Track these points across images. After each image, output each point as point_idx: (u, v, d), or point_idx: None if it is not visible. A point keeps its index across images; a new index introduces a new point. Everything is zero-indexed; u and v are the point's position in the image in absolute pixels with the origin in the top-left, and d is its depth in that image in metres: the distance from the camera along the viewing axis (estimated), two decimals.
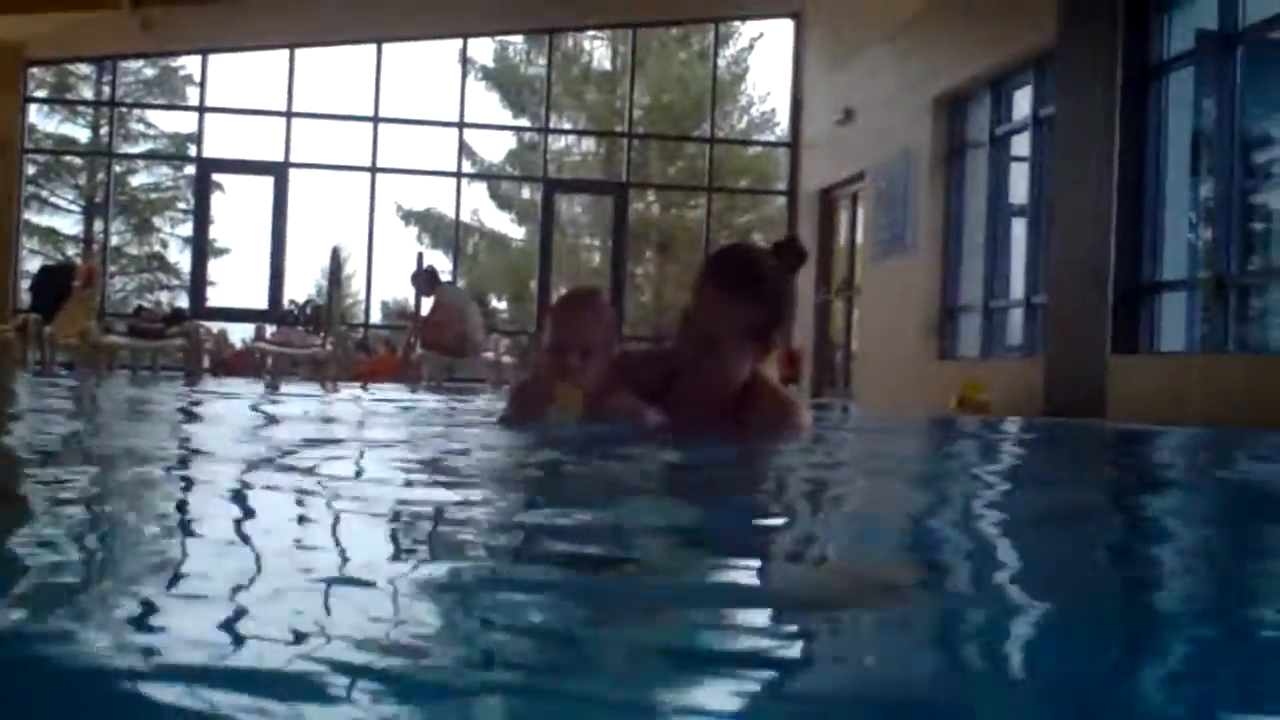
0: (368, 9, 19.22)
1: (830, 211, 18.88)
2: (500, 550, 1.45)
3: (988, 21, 13.62)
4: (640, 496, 2.18)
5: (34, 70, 20.68)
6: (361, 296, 22.08)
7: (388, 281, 30.13)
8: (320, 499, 1.85)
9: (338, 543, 1.48)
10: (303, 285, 27.13)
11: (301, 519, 1.65)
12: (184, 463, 2.57)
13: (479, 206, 29.59)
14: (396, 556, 1.36)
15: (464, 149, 22.16)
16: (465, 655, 0.92)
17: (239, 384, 11.29)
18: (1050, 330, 12.15)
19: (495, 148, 28.78)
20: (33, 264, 21.69)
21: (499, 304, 30.13)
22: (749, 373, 3.66)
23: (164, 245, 29.32)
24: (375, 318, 22.44)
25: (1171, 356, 10.89)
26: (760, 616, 1.11)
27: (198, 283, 20.44)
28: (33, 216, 25.76)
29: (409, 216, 27.56)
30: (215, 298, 20.37)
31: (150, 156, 28.35)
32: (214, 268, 21.77)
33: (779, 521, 1.92)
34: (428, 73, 29.00)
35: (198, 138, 20.76)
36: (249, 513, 1.72)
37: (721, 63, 27.15)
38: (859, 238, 17.65)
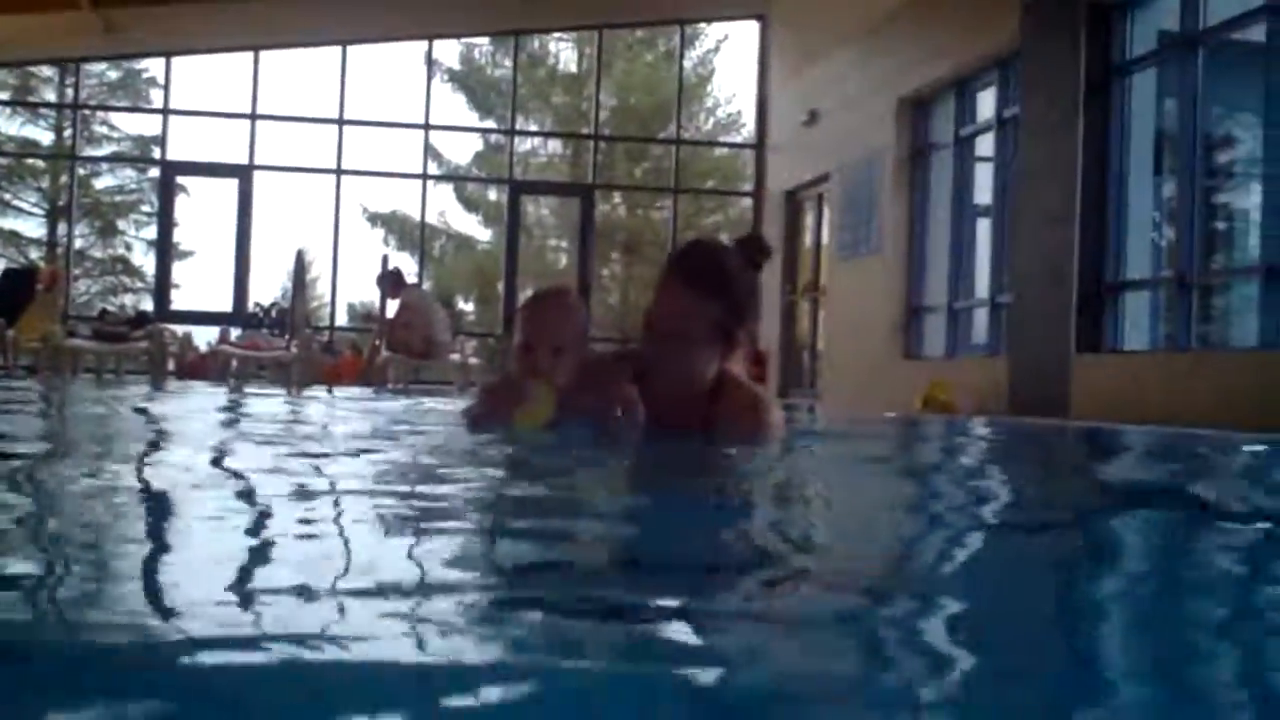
0: (332, 11, 19.18)
1: (796, 213, 18.92)
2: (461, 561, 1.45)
3: (952, 24, 13.68)
4: (595, 506, 2.18)
5: None
6: (327, 299, 22.03)
7: (354, 284, 30.12)
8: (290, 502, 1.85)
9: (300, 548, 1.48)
10: (268, 288, 27.09)
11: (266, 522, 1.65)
12: (138, 468, 2.56)
13: (445, 208, 29.59)
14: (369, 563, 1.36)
15: (430, 151, 22.11)
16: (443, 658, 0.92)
17: (202, 388, 11.24)
18: (1014, 330, 12.21)
19: (461, 150, 28.77)
20: None
21: (465, 306, 30.09)
22: (716, 371, 3.59)
23: (128, 248, 29.20)
24: (341, 320, 22.38)
25: (1135, 355, 10.96)
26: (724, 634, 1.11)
27: (162, 286, 20.33)
28: None
29: (375, 219, 27.51)
30: (180, 301, 20.27)
31: (114, 159, 28.20)
32: (178, 271, 21.68)
33: (741, 528, 1.92)
34: (393, 75, 29.01)
35: (161, 140, 20.63)
36: (199, 523, 1.71)
37: (687, 64, 27.19)
38: (825, 239, 17.68)
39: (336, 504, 1.84)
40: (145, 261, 26.59)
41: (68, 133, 24.40)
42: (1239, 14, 10.13)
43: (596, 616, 1.06)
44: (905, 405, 12.21)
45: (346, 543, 1.46)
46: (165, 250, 20.73)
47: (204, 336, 17.07)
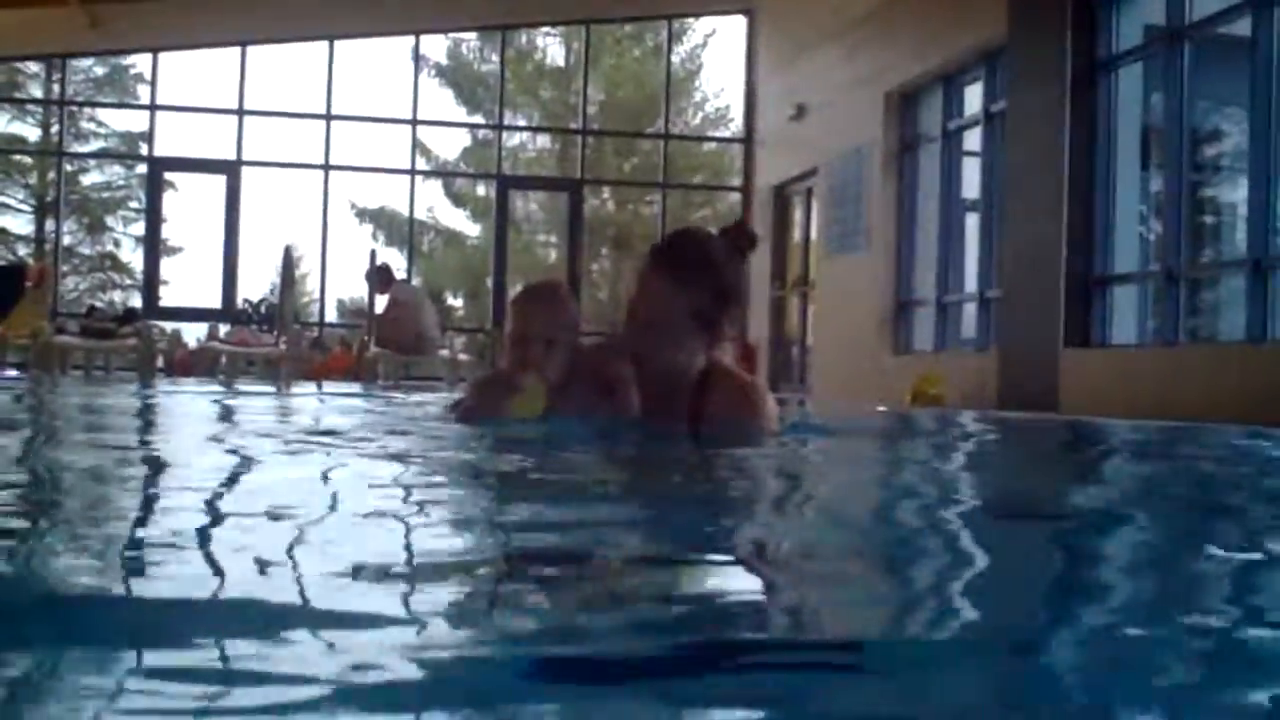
0: (319, 6, 19.15)
1: (784, 207, 18.93)
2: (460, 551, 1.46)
3: (939, 17, 13.70)
4: (592, 496, 2.19)
5: None
6: (316, 295, 21.99)
7: (342, 279, 30.03)
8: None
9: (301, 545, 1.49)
10: (257, 284, 27.01)
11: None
12: (129, 465, 2.56)
13: (434, 204, 29.52)
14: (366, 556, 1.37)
15: (418, 146, 22.08)
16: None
17: (191, 384, 11.22)
18: (1003, 324, 12.24)
19: (449, 145, 28.78)
20: None
21: (454, 301, 30.07)
22: (705, 362, 3.52)
23: (116, 244, 29.10)
24: (331, 316, 22.35)
25: (1123, 349, 10.99)
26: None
27: (151, 282, 20.28)
28: None
29: (363, 214, 27.44)
30: (169, 297, 20.24)
31: (101, 155, 28.11)
32: (167, 267, 21.66)
33: (726, 521, 1.93)
34: (380, 70, 28.91)
35: (149, 136, 20.58)
36: (205, 521, 1.72)
37: (675, 59, 27.19)
38: (813, 233, 17.69)
39: (323, 494, 1.84)
40: (134, 258, 26.52)
41: (55, 129, 24.32)
42: (1224, 8, 10.17)
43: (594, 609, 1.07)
44: (895, 399, 12.23)
45: (331, 533, 1.47)
46: (153, 246, 20.68)
47: (193, 333, 17.04)
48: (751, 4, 20.29)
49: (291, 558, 1.31)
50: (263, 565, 1.26)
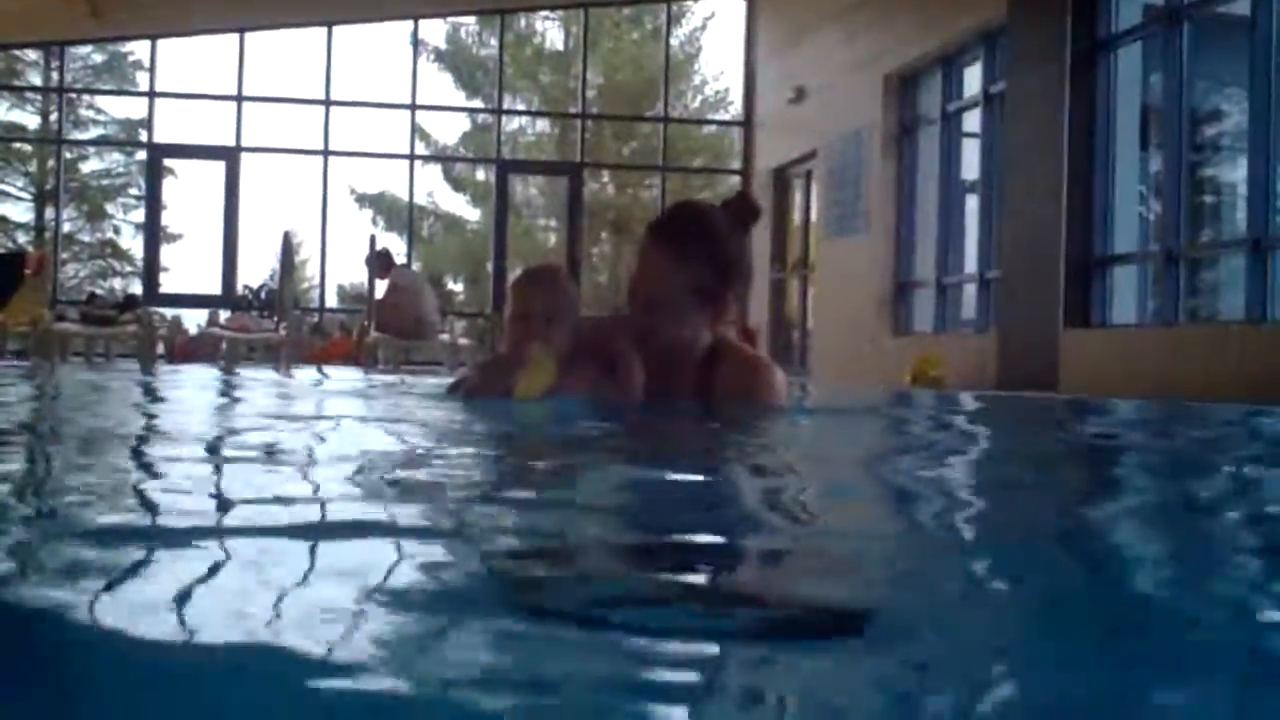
0: None
1: (784, 190, 18.92)
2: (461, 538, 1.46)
3: None
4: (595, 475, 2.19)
5: None
6: (316, 280, 22.01)
7: (342, 265, 30.05)
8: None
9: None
10: (257, 270, 27.02)
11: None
12: (140, 448, 2.56)
13: (433, 189, 29.53)
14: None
15: (417, 131, 22.05)
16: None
17: (192, 369, 11.22)
18: (1003, 305, 12.24)
19: (449, 130, 28.75)
20: None
21: (455, 286, 30.08)
22: (711, 338, 3.42)
23: (116, 231, 29.12)
24: (331, 301, 22.37)
25: (1123, 330, 11.00)
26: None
27: (151, 269, 20.30)
28: None
29: (363, 199, 27.44)
30: (169, 284, 20.26)
31: (101, 143, 28.11)
32: (167, 253, 21.72)
33: (734, 500, 1.93)
34: (379, 55, 28.90)
35: (148, 123, 20.58)
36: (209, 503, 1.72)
37: (674, 42, 27.15)
38: (813, 216, 17.69)
39: (319, 476, 1.85)
40: (134, 245, 26.57)
41: (54, 116, 24.31)
42: None
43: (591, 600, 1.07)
44: (895, 381, 12.23)
45: (328, 519, 1.48)
46: (153, 233, 20.69)
47: (193, 319, 17.07)
48: None
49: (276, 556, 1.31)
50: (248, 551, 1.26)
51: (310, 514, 1.45)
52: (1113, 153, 11.33)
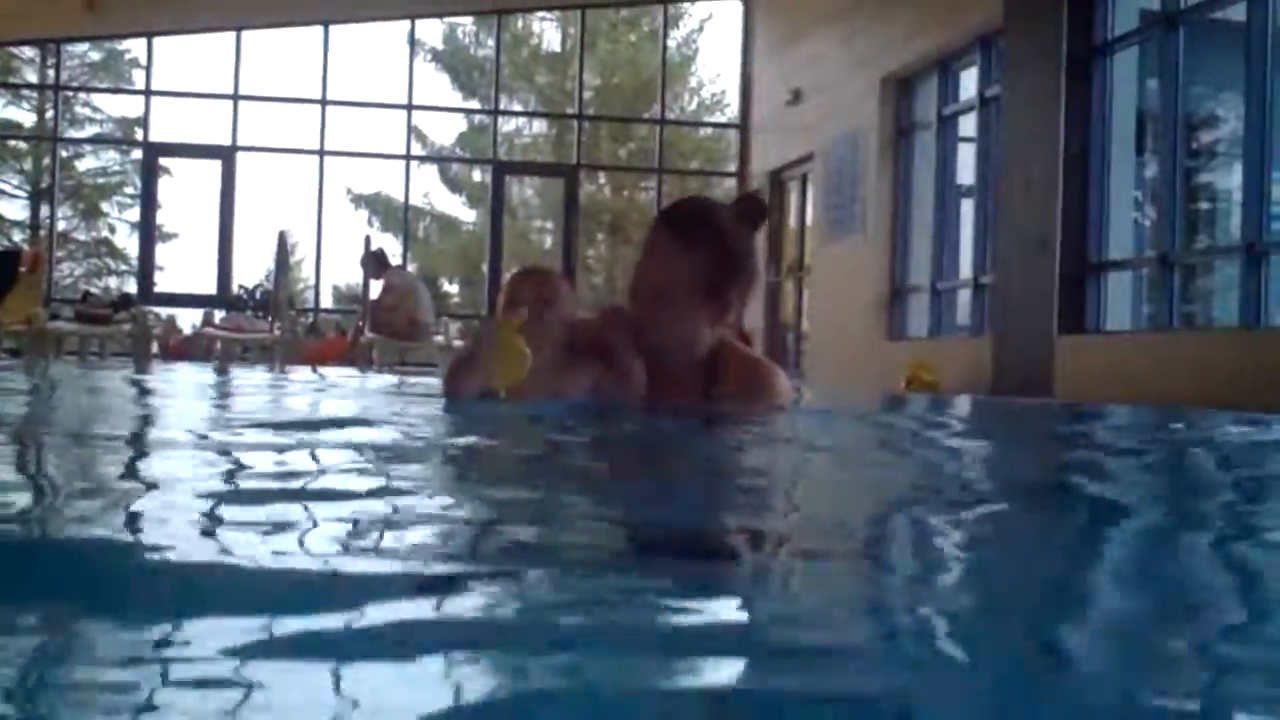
0: None
1: (780, 193, 18.92)
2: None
3: (934, 2, 13.69)
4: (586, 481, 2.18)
5: None
6: (311, 281, 22.01)
7: (338, 265, 30.10)
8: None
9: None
10: (252, 269, 27.02)
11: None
12: (135, 445, 2.56)
13: (429, 189, 29.57)
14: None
15: (413, 131, 22.06)
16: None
17: (186, 369, 11.21)
18: (998, 310, 12.24)
19: (445, 130, 28.78)
20: None
21: (450, 287, 30.11)
22: (714, 339, 3.37)
23: (111, 230, 29.14)
24: (326, 302, 22.36)
25: (1118, 335, 11.01)
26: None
27: (146, 268, 20.30)
28: None
29: (359, 200, 27.48)
30: (164, 283, 20.26)
31: (96, 141, 28.13)
32: (162, 253, 21.67)
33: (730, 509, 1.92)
34: (376, 55, 28.90)
35: (144, 121, 20.57)
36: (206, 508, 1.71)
37: (671, 44, 27.17)
38: (809, 219, 17.70)
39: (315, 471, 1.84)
40: (129, 244, 26.59)
41: (49, 114, 24.30)
42: None
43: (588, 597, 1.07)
44: (889, 386, 12.24)
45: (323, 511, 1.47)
46: (148, 232, 20.68)
47: (188, 319, 17.06)
48: None
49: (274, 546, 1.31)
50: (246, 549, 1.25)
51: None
52: (1108, 158, 11.34)
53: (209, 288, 19.23)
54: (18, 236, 26.85)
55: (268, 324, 15.73)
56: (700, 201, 3.67)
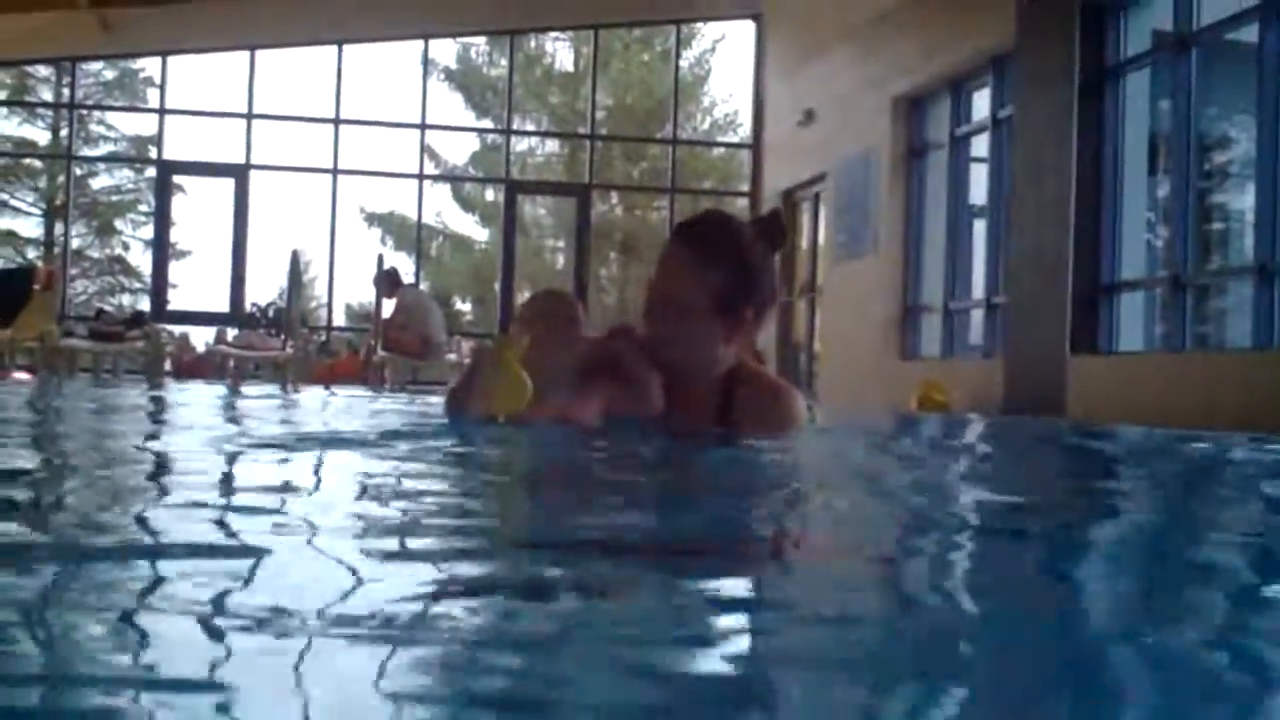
0: (328, 10, 19.19)
1: (792, 212, 18.90)
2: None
3: (947, 23, 13.69)
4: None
5: None
6: (324, 299, 22.03)
7: (350, 284, 30.09)
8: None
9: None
10: (265, 288, 27.05)
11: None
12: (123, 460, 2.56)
13: (442, 208, 29.60)
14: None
15: (426, 150, 22.13)
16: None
17: (199, 386, 11.23)
18: (1010, 331, 12.22)
19: (458, 149, 28.76)
20: None
21: (462, 306, 30.13)
22: (730, 359, 3.28)
23: (125, 248, 29.20)
24: (339, 320, 22.38)
25: (1130, 356, 10.98)
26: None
27: (159, 285, 20.36)
28: None
29: (372, 218, 27.49)
30: (177, 300, 20.30)
31: (111, 159, 28.20)
32: (175, 270, 21.73)
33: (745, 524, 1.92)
34: (389, 74, 28.92)
35: (158, 140, 20.65)
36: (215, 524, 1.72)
37: (684, 64, 27.20)
38: (821, 239, 17.70)
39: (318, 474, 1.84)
40: (142, 261, 26.61)
41: (64, 132, 24.42)
42: (1232, 14, 10.16)
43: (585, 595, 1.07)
44: (901, 406, 12.22)
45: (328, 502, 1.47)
46: (162, 250, 20.75)
47: (201, 336, 17.09)
48: (760, 9, 20.31)
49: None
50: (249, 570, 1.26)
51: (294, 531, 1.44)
52: (1120, 178, 11.32)
53: (222, 305, 19.27)
54: (32, 254, 26.90)
55: (280, 342, 15.75)
56: (719, 215, 3.58)
